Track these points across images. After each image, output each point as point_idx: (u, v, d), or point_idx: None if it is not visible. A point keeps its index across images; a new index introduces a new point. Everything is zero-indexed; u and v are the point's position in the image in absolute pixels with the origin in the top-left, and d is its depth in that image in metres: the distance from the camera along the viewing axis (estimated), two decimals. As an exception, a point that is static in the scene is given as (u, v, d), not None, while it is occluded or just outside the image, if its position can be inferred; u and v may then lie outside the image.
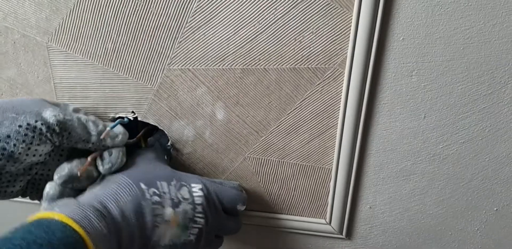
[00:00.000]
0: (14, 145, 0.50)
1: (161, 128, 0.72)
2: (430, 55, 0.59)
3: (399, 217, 0.73)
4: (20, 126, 0.51)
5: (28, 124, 0.51)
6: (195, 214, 0.59)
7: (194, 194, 0.60)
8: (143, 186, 0.56)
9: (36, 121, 0.52)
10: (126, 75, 0.68)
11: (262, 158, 0.71)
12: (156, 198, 0.56)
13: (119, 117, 0.71)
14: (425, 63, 0.59)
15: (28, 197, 0.61)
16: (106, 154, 0.60)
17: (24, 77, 0.71)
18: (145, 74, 0.67)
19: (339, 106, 0.64)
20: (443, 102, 0.62)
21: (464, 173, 0.67)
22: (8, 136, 0.50)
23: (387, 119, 0.64)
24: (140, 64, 0.66)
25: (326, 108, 0.65)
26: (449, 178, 0.68)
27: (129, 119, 0.71)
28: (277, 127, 0.68)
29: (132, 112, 0.70)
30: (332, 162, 0.70)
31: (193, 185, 0.61)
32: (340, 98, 0.64)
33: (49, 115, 0.53)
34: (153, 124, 0.71)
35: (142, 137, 0.72)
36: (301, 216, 0.76)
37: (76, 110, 0.60)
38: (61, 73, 0.69)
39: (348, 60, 0.60)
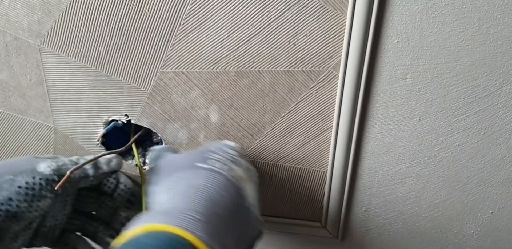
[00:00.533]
0: (17, 205, 0.51)
1: (155, 131, 0.71)
2: (425, 58, 0.58)
3: (394, 220, 0.73)
4: (19, 186, 0.52)
5: (26, 182, 0.52)
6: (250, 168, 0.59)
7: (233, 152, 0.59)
8: (206, 165, 0.54)
9: (33, 178, 0.53)
10: (119, 78, 0.67)
11: (257, 161, 0.71)
12: (221, 165, 0.54)
13: (113, 120, 0.71)
14: (419, 66, 0.59)
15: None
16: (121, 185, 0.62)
17: (17, 80, 0.70)
18: (138, 77, 0.66)
19: (334, 109, 0.64)
20: (438, 105, 0.61)
21: (460, 176, 0.67)
22: (10, 199, 0.51)
23: (382, 122, 0.64)
24: (133, 67, 0.66)
25: (321, 111, 0.65)
26: (445, 181, 0.67)
27: (123, 122, 0.70)
28: (271, 130, 0.68)
29: (126, 115, 0.70)
30: (327, 165, 0.69)
31: (228, 143, 0.61)
32: (335, 101, 0.63)
33: (43, 168, 0.54)
34: (147, 127, 0.71)
35: (134, 144, 0.72)
36: (296, 219, 0.76)
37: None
38: (54, 76, 0.69)
39: (342, 63, 0.59)
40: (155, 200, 0.51)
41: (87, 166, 0.57)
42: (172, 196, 0.49)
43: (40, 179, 0.53)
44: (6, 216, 0.51)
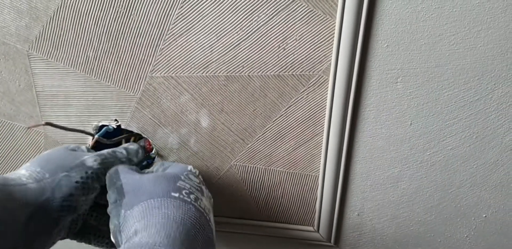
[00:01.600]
0: (76, 200, 0.53)
1: (145, 136, 0.71)
2: (415, 62, 0.58)
3: (387, 224, 0.72)
4: (77, 182, 0.54)
5: (81, 177, 0.54)
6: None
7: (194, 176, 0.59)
8: (178, 201, 0.52)
9: (86, 172, 0.55)
10: (108, 83, 0.66)
11: (248, 166, 0.70)
12: (193, 196, 0.53)
13: (103, 125, 0.70)
14: (410, 70, 0.58)
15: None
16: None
17: (6, 85, 0.70)
18: (127, 81, 0.66)
19: (325, 113, 0.63)
20: (429, 109, 0.61)
21: (452, 180, 0.66)
22: (71, 195, 0.53)
23: (373, 126, 0.63)
24: (122, 71, 0.65)
25: (312, 115, 0.64)
26: (437, 185, 0.67)
27: (113, 127, 0.70)
28: (262, 134, 0.67)
29: (115, 120, 0.69)
30: (319, 170, 0.69)
31: (191, 169, 0.60)
32: (325, 105, 0.63)
33: (91, 162, 0.56)
34: (137, 132, 0.70)
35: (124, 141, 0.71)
36: (289, 223, 0.75)
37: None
38: (43, 81, 0.68)
39: (332, 67, 0.59)
40: (130, 228, 0.48)
41: (121, 150, 0.62)
42: (149, 228, 0.47)
43: (91, 172, 0.55)
44: (68, 210, 0.53)
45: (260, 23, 0.59)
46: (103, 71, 0.66)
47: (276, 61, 0.61)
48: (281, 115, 0.65)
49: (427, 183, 0.67)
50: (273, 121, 0.66)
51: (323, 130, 0.65)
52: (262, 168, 0.70)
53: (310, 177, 0.70)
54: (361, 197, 0.70)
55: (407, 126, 0.63)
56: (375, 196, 0.70)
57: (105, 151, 0.60)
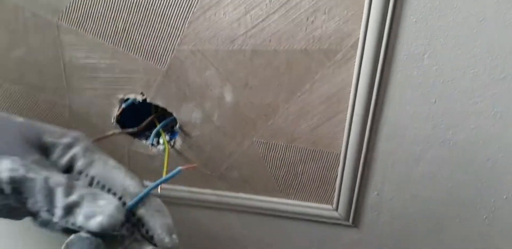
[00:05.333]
0: None
1: (170, 111, 0.71)
2: (443, 38, 0.58)
3: (407, 204, 0.73)
4: None
5: None
6: None
7: None
8: None
9: None
10: (135, 55, 0.67)
11: (269, 142, 0.71)
12: None
13: (128, 99, 0.71)
14: (437, 46, 0.59)
15: None
16: None
17: (34, 57, 0.71)
18: (154, 54, 0.67)
19: (350, 90, 0.64)
20: (454, 87, 0.61)
21: (474, 160, 0.66)
22: None
23: (398, 103, 0.64)
24: (150, 44, 0.66)
25: (336, 91, 0.64)
26: (459, 164, 0.67)
27: (139, 101, 0.71)
28: (286, 110, 0.67)
29: (142, 93, 0.70)
30: (341, 147, 0.69)
31: None
32: (351, 81, 0.63)
33: (5, 167, 0.39)
34: (162, 106, 0.71)
35: (161, 130, 0.72)
36: (308, 201, 0.76)
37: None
38: (71, 53, 0.69)
39: (360, 42, 0.59)
40: None
41: (58, 204, 0.39)
42: None
43: None
44: None
45: (289, -4, 0.59)
46: (131, 43, 0.66)
47: (304, 35, 0.61)
48: (306, 91, 0.65)
49: (448, 162, 0.67)
50: (297, 97, 0.66)
51: (347, 107, 0.65)
52: (283, 145, 0.71)
53: (331, 154, 0.70)
54: (381, 176, 0.71)
55: (431, 104, 0.63)
56: (396, 175, 0.70)
57: (44, 176, 0.40)
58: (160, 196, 0.45)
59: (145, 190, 0.42)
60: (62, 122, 0.76)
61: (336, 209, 0.75)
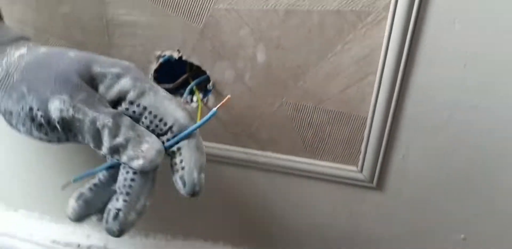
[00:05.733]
0: (16, 124, 0.44)
1: (204, 69, 0.74)
2: (477, 1, 0.58)
3: (431, 169, 0.74)
4: (22, 108, 0.43)
5: (30, 108, 0.42)
6: None
7: None
8: None
9: (38, 110, 0.42)
10: (173, 13, 0.70)
11: (298, 104, 0.73)
12: None
13: (165, 55, 0.74)
14: (470, 10, 0.59)
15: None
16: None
17: (79, 13, 0.74)
18: (191, 12, 0.69)
19: (380, 52, 0.65)
20: (485, 51, 0.61)
21: (504, 127, 0.67)
22: (11, 113, 0.44)
23: (428, 67, 0.64)
24: (188, 2, 0.68)
25: (367, 53, 0.65)
26: (488, 131, 0.67)
27: (175, 59, 0.73)
28: (315, 72, 0.69)
29: (178, 50, 0.73)
30: (369, 110, 0.70)
31: None
32: (382, 43, 0.64)
33: (55, 107, 0.42)
34: (197, 64, 0.73)
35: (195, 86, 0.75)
36: (333, 162, 0.78)
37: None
38: (114, 10, 0.72)
39: (392, 4, 0.60)
40: None
41: (105, 143, 0.43)
42: None
43: (41, 116, 0.44)
44: (10, 124, 0.46)
45: (324, -44, 0.60)
46: (170, 1, 0.69)
47: (337, -4, 0.62)
48: (336, 52, 0.67)
49: (476, 128, 0.68)
50: (328, 59, 0.67)
51: (376, 69, 0.66)
52: (312, 106, 0.73)
53: (359, 117, 0.72)
54: (408, 139, 0.72)
55: (461, 68, 0.63)
56: (422, 140, 0.71)
57: (92, 116, 0.42)
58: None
59: (185, 132, 0.45)
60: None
61: (361, 171, 0.76)
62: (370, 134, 0.72)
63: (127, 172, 0.44)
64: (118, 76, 0.45)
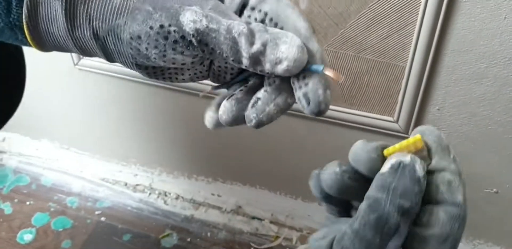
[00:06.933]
0: (146, 48, 0.41)
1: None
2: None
3: (466, 121, 0.75)
4: (151, 27, 0.40)
5: (161, 26, 0.40)
6: None
7: None
8: None
9: (170, 25, 0.40)
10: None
11: (339, 52, 0.75)
12: None
13: None
14: (514, -41, 0.59)
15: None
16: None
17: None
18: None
19: (421, 2, 0.65)
20: (527, 3, 0.61)
21: (539, 81, 0.67)
22: (139, 37, 0.41)
23: (467, 18, 0.65)
24: None
25: (407, 2, 0.66)
26: (523, 84, 0.68)
27: None
28: (356, 20, 0.70)
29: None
30: (407, 60, 0.72)
31: None
32: (422, -7, 0.65)
33: (188, 19, 0.39)
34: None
35: None
36: (370, 112, 0.80)
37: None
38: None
39: (434, -48, 0.60)
40: None
41: (244, 53, 0.40)
42: None
43: (175, 31, 0.42)
44: (138, 54, 0.43)
45: None
46: None
47: None
48: (378, 0, 0.68)
49: (511, 82, 0.68)
50: (369, 7, 0.69)
51: (416, 19, 0.67)
52: (352, 55, 0.74)
53: (397, 67, 0.73)
54: (444, 91, 0.73)
55: (501, 20, 0.63)
56: (458, 92, 0.72)
57: (226, 25, 0.39)
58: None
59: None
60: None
61: (397, 121, 0.78)
62: (407, 85, 0.73)
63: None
64: None
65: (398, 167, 0.32)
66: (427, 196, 0.32)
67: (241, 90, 0.44)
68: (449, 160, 0.33)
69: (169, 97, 0.95)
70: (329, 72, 0.38)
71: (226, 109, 0.44)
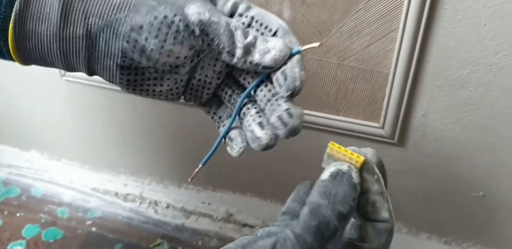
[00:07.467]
0: (146, 38, 0.44)
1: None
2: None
3: (451, 127, 0.76)
4: (155, 17, 0.44)
5: (165, 16, 0.43)
6: None
7: None
8: None
9: (174, 15, 0.43)
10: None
11: (323, 60, 0.75)
12: None
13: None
14: (491, -33, 0.59)
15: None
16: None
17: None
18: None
19: (402, 9, 0.66)
20: (505, 10, 0.62)
21: (521, 86, 0.68)
22: (141, 27, 0.44)
23: (448, 25, 0.65)
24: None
25: (389, 10, 0.67)
26: (504, 89, 0.69)
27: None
28: (339, 28, 0.71)
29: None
30: (391, 67, 0.72)
31: None
32: (404, 1, 0.65)
33: (193, 11, 0.44)
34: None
35: None
36: (356, 118, 0.80)
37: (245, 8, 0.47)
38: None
39: (413, -40, 0.61)
40: None
41: (239, 44, 0.44)
42: None
43: (180, 20, 0.44)
44: (134, 46, 0.45)
45: None
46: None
47: (360, -48, 0.63)
48: (360, 9, 0.68)
49: (494, 87, 0.69)
50: (351, 15, 0.69)
51: (399, 27, 0.68)
52: (335, 63, 0.75)
53: (381, 74, 0.74)
54: (428, 97, 0.74)
55: (481, 27, 0.64)
56: (442, 97, 0.73)
57: (225, 20, 0.44)
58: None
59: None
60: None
61: (383, 127, 0.79)
62: (391, 91, 0.74)
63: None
64: None
65: (337, 175, 0.37)
66: (359, 212, 0.38)
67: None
68: (372, 181, 0.38)
69: (158, 107, 0.95)
70: (306, 47, 0.44)
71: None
